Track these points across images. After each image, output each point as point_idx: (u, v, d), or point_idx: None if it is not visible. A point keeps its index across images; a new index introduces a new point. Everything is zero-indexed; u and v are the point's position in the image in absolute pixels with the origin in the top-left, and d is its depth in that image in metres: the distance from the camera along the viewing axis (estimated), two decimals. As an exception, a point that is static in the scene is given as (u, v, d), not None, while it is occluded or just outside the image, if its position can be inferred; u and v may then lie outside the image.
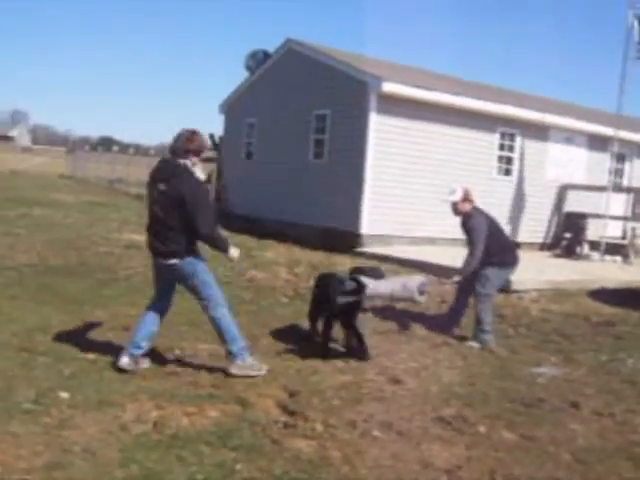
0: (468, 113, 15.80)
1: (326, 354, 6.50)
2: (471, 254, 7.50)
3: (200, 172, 20.78)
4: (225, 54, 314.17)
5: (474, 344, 7.36)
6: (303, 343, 6.87)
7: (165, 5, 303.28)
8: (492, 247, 7.48)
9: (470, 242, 7.59)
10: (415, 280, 7.79)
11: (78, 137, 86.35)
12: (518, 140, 17.02)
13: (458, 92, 15.91)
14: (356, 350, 6.53)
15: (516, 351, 7.39)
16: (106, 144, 51.00)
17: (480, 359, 6.91)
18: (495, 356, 7.09)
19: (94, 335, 6.55)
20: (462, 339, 7.59)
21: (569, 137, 17.99)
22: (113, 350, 6.03)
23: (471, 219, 7.59)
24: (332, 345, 6.78)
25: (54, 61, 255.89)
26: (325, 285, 6.95)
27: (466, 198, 7.65)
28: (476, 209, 7.73)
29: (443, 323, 8.02)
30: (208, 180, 30.79)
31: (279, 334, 7.20)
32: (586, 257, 15.58)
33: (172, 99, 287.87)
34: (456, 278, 7.78)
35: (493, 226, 7.72)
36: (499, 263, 7.57)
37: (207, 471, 3.87)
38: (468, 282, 7.70)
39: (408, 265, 12.41)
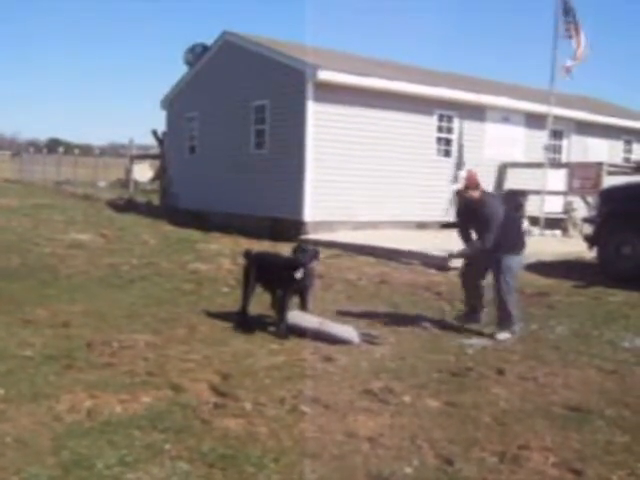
0: (405, 97, 16.07)
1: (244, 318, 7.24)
2: (482, 240, 7.08)
3: (148, 169, 20.77)
4: (166, 50, 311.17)
5: (506, 334, 7.11)
6: (239, 328, 7.05)
7: (106, 4, 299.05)
8: (510, 233, 7.12)
9: (483, 229, 7.07)
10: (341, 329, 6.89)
11: (26, 140, 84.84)
12: (456, 121, 17.35)
13: (394, 77, 16.15)
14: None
15: (449, 325, 7.62)
16: (54, 146, 50.36)
17: (413, 335, 7.12)
18: (428, 331, 7.31)
19: (33, 333, 6.59)
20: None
21: (506, 116, 18.37)
22: (51, 346, 6.13)
23: (485, 208, 7.07)
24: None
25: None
26: (269, 263, 7.49)
27: (470, 185, 7.11)
28: (487, 194, 7.34)
29: (468, 318, 7.66)
30: (156, 177, 30.78)
31: (216, 321, 7.33)
32: (526, 232, 15.95)
33: (118, 98, 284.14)
34: (455, 255, 7.83)
35: (507, 212, 7.32)
36: (516, 249, 7.22)
37: (137, 453, 3.99)
38: (472, 272, 7.53)
39: (352, 249, 12.64)
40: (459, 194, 7.22)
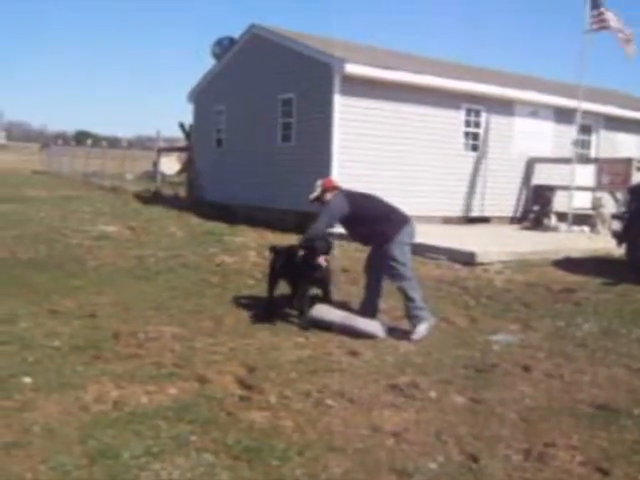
0: (433, 91, 16.00)
1: (269, 310, 7.34)
2: (315, 222, 6.99)
3: (175, 162, 20.83)
4: (193, 43, 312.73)
5: (418, 330, 6.74)
6: (265, 321, 7.08)
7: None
8: (376, 223, 6.97)
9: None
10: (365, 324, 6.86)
11: (54, 132, 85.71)
12: (484, 116, 17.25)
13: (421, 71, 16.08)
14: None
15: (475, 321, 7.58)
16: (82, 138, 50.75)
17: (438, 330, 7.07)
18: (454, 326, 7.28)
19: (60, 323, 6.66)
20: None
21: (534, 111, 18.22)
22: (78, 336, 6.19)
23: (329, 201, 7.09)
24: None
25: (27, 58, 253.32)
26: (294, 258, 7.33)
27: (327, 187, 7.19)
28: (340, 193, 7.17)
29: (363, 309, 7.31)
30: (183, 169, 30.90)
31: (242, 313, 7.36)
32: (554, 228, 15.86)
33: (146, 91, 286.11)
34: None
35: (363, 203, 7.13)
36: (392, 236, 6.89)
37: (163, 444, 4.02)
38: (370, 264, 7.31)
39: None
40: (318, 201, 7.20)
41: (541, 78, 22.90)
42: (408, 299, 6.90)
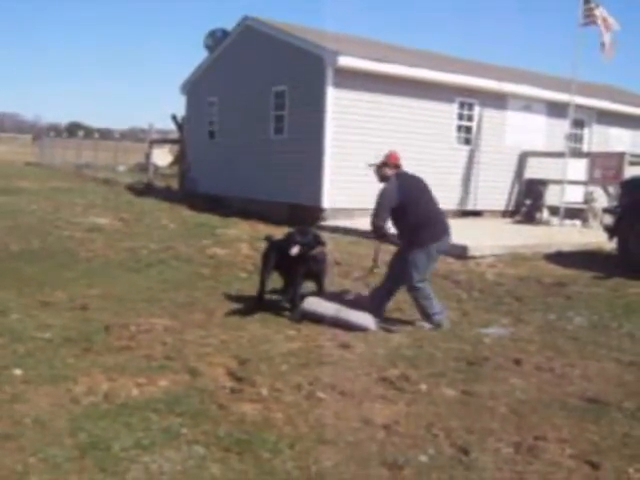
0: (426, 84, 15.99)
1: (260, 302, 7.34)
2: (375, 215, 6.85)
3: (167, 154, 20.74)
4: (186, 34, 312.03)
5: (425, 324, 6.89)
6: (256, 313, 7.07)
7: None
8: (412, 222, 6.79)
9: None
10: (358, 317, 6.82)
11: (47, 124, 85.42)
12: (477, 109, 17.24)
13: (415, 63, 16.06)
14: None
15: (467, 314, 7.60)
16: (74, 130, 50.54)
17: (430, 323, 7.10)
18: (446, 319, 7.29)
19: (51, 315, 6.64)
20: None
21: (527, 105, 18.22)
22: (69, 329, 6.17)
23: (384, 185, 6.92)
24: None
25: (21, 50, 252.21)
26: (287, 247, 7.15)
27: (389, 162, 6.95)
28: (399, 175, 6.93)
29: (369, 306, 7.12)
30: (176, 161, 30.83)
31: (234, 306, 7.35)
32: (546, 222, 15.87)
33: (139, 83, 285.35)
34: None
35: (415, 198, 6.87)
36: (423, 242, 6.78)
37: (153, 436, 4.02)
38: (399, 264, 7.02)
39: (371, 237, 12.59)
40: (376, 170, 7.06)
41: (534, 72, 22.88)
42: (418, 305, 6.99)
